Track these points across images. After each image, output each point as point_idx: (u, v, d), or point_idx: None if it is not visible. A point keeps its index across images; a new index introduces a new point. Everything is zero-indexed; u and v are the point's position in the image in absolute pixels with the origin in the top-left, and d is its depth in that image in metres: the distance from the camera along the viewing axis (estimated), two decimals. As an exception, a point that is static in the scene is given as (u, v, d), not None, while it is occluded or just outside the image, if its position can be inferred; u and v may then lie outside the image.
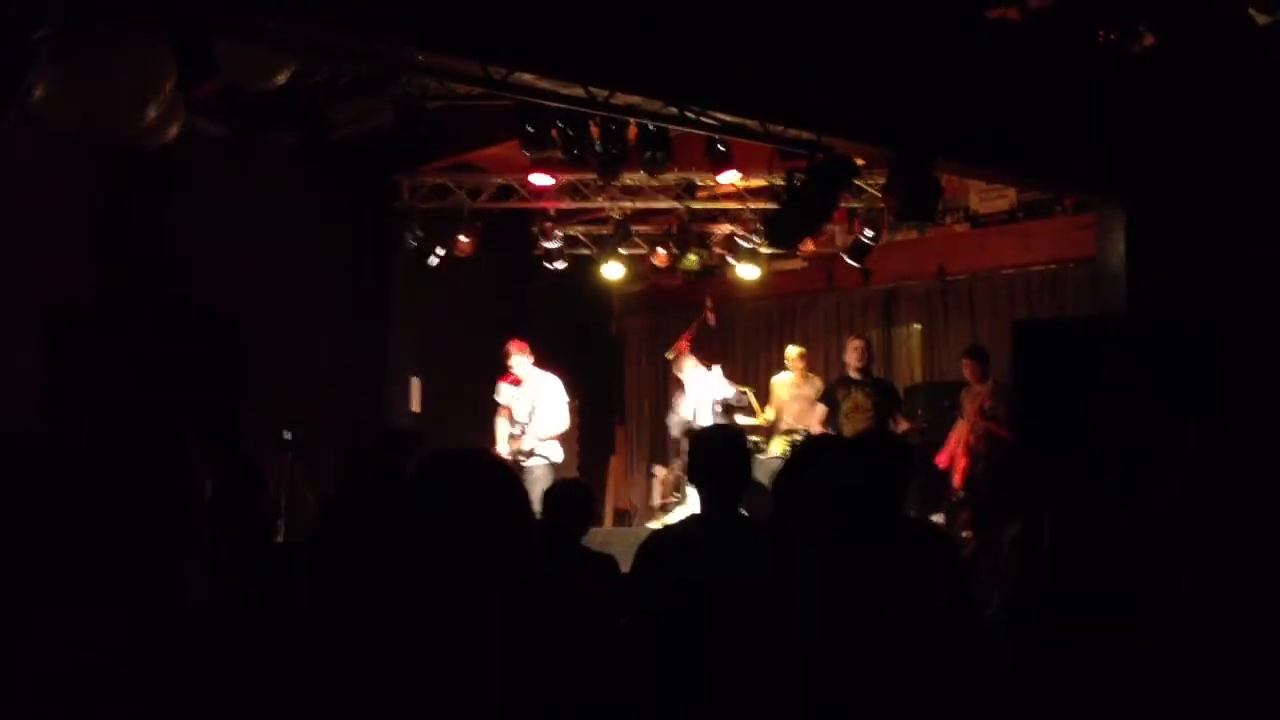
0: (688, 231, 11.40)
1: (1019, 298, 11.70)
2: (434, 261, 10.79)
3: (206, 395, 5.70)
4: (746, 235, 11.13)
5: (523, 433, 9.84)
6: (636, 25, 6.67)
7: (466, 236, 10.85)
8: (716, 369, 11.08)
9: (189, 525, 1.96)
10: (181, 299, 8.84)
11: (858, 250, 10.71)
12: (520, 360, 9.99)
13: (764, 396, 11.33)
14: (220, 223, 9.31)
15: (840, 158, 7.99)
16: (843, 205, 9.84)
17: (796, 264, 12.63)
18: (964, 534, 9.05)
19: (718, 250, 11.87)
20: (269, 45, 6.69)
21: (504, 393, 10.07)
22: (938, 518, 9.93)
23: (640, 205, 11.24)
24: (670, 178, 10.55)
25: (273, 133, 8.60)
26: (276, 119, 8.31)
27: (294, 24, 6.15)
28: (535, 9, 6.27)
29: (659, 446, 13.71)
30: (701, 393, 10.74)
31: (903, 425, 10.03)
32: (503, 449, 9.82)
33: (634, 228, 11.57)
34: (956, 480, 9.63)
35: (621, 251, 11.68)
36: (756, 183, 10.74)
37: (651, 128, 8.18)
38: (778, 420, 10.97)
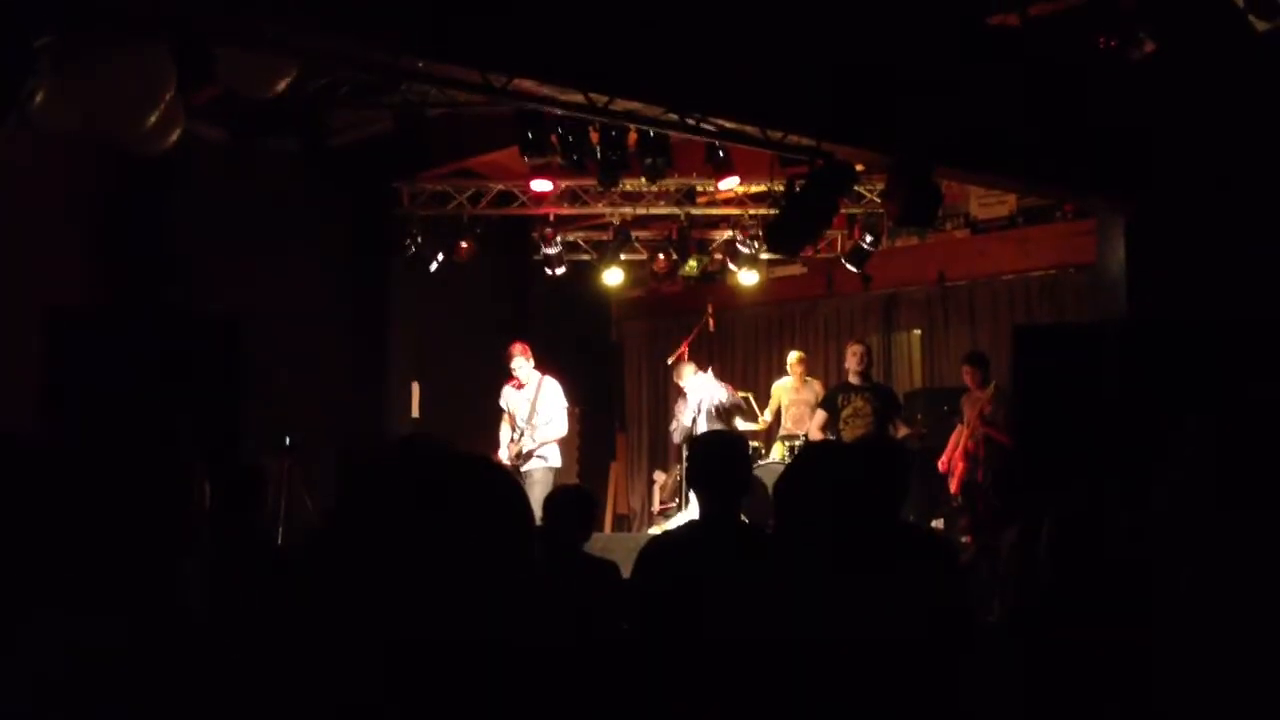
0: (688, 237, 11.40)
1: (1019, 303, 11.71)
2: (434, 268, 10.80)
3: (206, 397, 5.70)
4: (746, 241, 11.15)
5: (522, 435, 9.84)
6: (636, 32, 6.68)
7: (466, 243, 10.87)
8: (709, 372, 11.09)
9: (188, 526, 1.97)
10: (182, 301, 8.86)
11: (858, 256, 10.73)
12: (522, 363, 10.00)
13: (764, 401, 11.35)
14: (220, 225, 9.33)
15: (840, 163, 8.00)
16: (843, 211, 9.86)
17: (796, 270, 12.65)
18: (963, 539, 9.06)
19: (718, 256, 11.89)
20: (269, 52, 6.70)
21: (506, 397, 10.08)
22: (937, 523, 9.95)
23: (640, 211, 11.26)
24: (670, 183, 10.58)
25: (273, 138, 8.60)
26: (276, 125, 8.31)
27: (294, 31, 6.15)
28: (535, 16, 6.28)
29: (659, 452, 13.72)
30: (701, 400, 10.75)
31: (902, 430, 10.04)
32: (504, 454, 9.82)
33: (634, 233, 11.59)
34: (953, 486, 9.64)
35: (622, 257, 11.69)
36: (756, 188, 10.75)
37: (651, 134, 8.19)
38: (776, 424, 11.00)
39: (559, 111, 7.42)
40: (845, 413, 9.99)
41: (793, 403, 10.90)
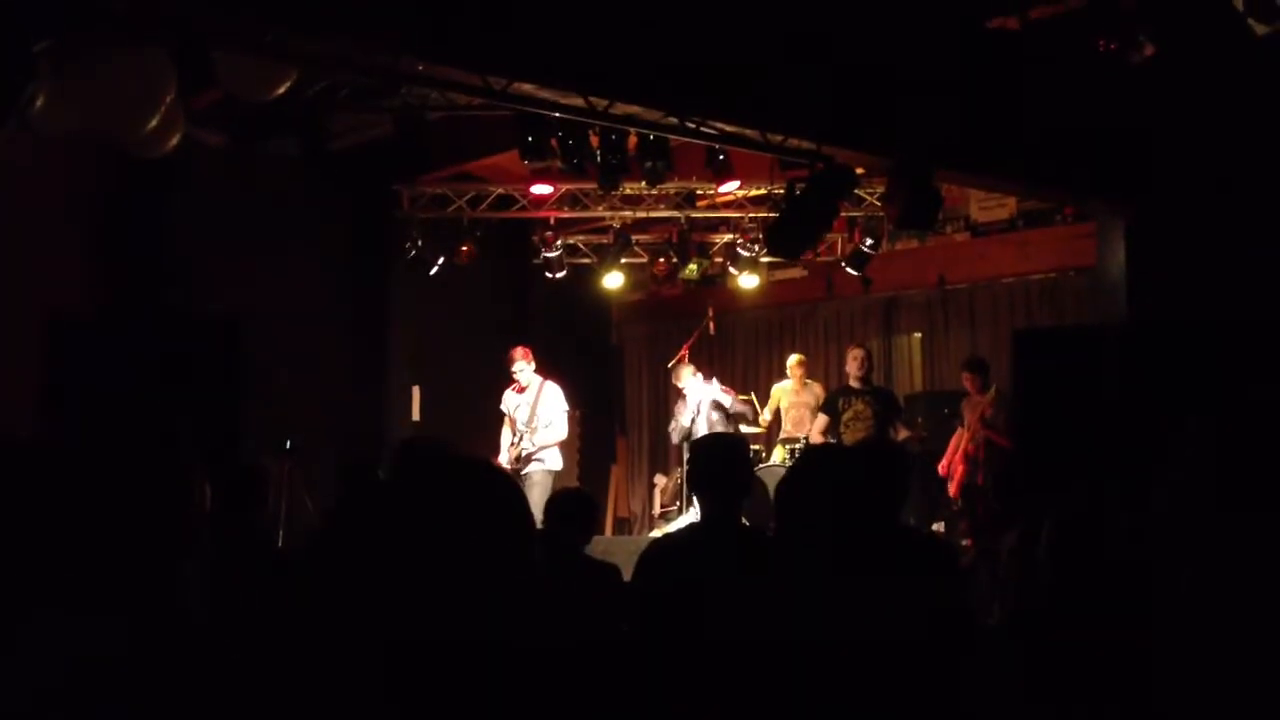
0: (688, 241, 11.41)
1: (1019, 306, 11.72)
2: (434, 271, 10.80)
3: (206, 397, 5.70)
4: (746, 244, 11.15)
5: (521, 439, 9.84)
6: (636, 35, 6.69)
7: (466, 246, 10.87)
8: (714, 381, 11.10)
9: (188, 526, 1.97)
10: (182, 302, 8.87)
11: (858, 259, 10.74)
12: (523, 366, 10.00)
13: (764, 404, 11.36)
14: (221, 227, 9.34)
15: (840, 167, 8.00)
16: (843, 214, 9.86)
17: (797, 273, 12.65)
18: (963, 542, 9.06)
19: (718, 259, 11.89)
20: (269, 55, 6.71)
21: (507, 400, 10.08)
22: (938, 526, 9.95)
23: (640, 214, 11.27)
24: (670, 187, 10.59)
25: (273, 143, 8.61)
26: (276, 129, 8.32)
27: (293, 34, 6.15)
28: (535, 19, 6.28)
29: (659, 455, 13.72)
30: (700, 401, 10.76)
31: (902, 433, 10.05)
32: (504, 458, 9.82)
33: (634, 237, 11.59)
34: (952, 489, 9.64)
35: (622, 261, 11.69)
36: (757, 192, 10.76)
37: (651, 137, 8.19)
38: (777, 426, 11.02)
39: (559, 115, 7.42)
40: (846, 416, 10.00)
41: (793, 405, 10.93)
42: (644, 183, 9.54)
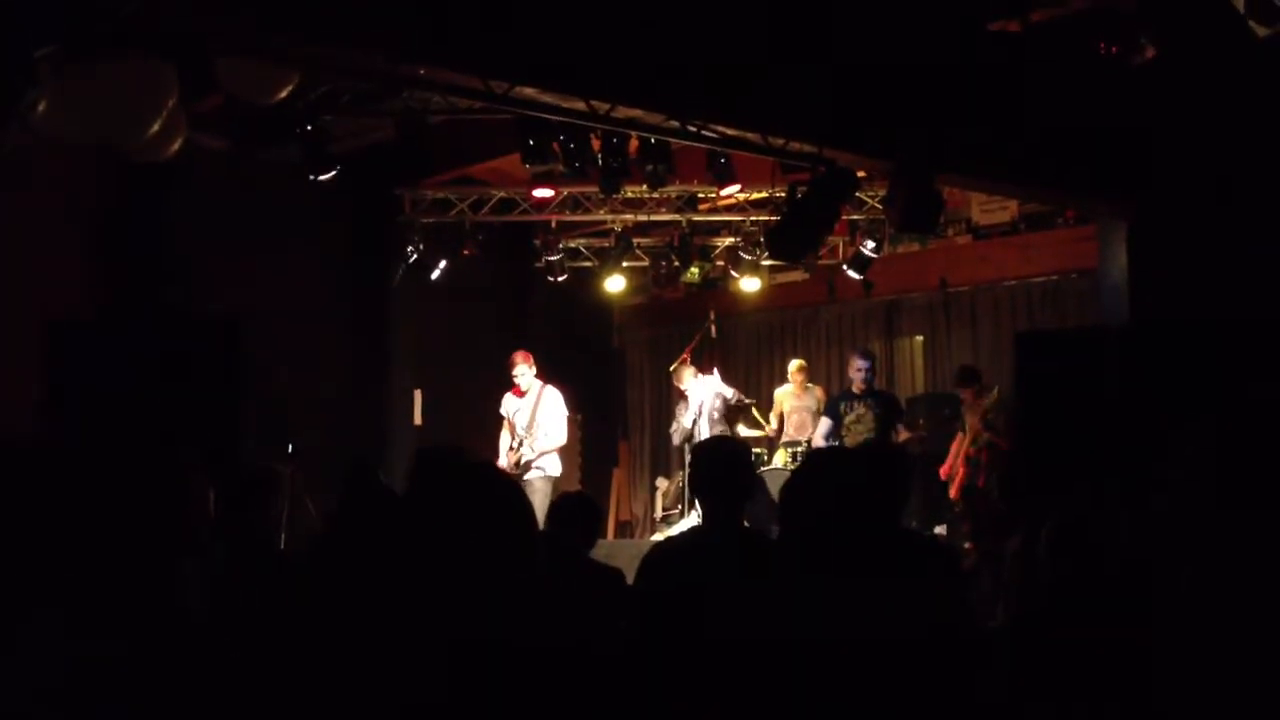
0: (689, 244, 11.42)
1: (1020, 309, 11.72)
2: (436, 274, 10.81)
3: (206, 398, 5.69)
4: (748, 247, 11.16)
5: (521, 445, 9.84)
6: (638, 39, 6.69)
7: (468, 249, 10.88)
8: (714, 373, 11.12)
9: (188, 525, 1.97)
10: (182, 302, 8.87)
11: (859, 262, 10.74)
12: (524, 370, 10.00)
13: (767, 408, 11.37)
14: (221, 228, 9.35)
15: (841, 170, 8.00)
16: (844, 217, 9.86)
17: (798, 276, 12.65)
18: (965, 545, 9.05)
19: (719, 262, 11.90)
20: (271, 60, 6.71)
21: (507, 404, 10.08)
22: (940, 529, 9.94)
23: (642, 218, 11.28)
24: (672, 190, 10.60)
25: (274, 147, 8.61)
26: (278, 134, 8.32)
27: (295, 38, 6.16)
28: (536, 23, 6.29)
29: (661, 459, 13.72)
30: (702, 400, 10.77)
31: (903, 435, 10.05)
32: (503, 462, 9.82)
33: (636, 240, 11.60)
34: (953, 492, 9.63)
35: (623, 264, 11.70)
36: (758, 195, 10.77)
37: (653, 141, 8.20)
38: (779, 430, 11.04)
39: (560, 118, 7.42)
40: (848, 419, 10.01)
41: (794, 409, 10.97)
42: (645, 186, 9.55)
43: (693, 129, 7.66)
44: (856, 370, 10.05)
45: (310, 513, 8.89)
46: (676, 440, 11.22)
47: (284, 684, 1.75)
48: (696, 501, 5.36)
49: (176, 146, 7.04)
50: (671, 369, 11.50)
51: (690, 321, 12.47)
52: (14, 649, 1.78)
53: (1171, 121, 8.17)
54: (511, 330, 12.03)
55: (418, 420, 11.25)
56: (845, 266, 11.05)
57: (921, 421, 10.60)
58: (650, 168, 8.52)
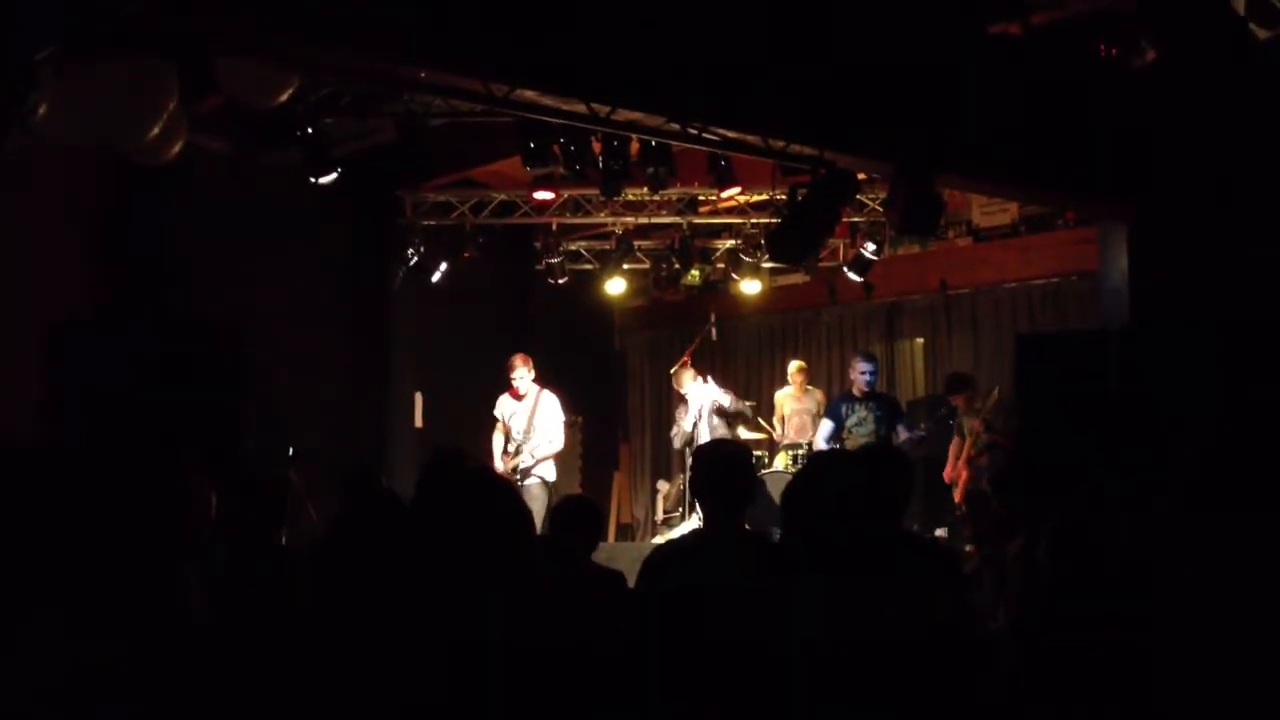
0: (690, 246, 11.42)
1: (1021, 311, 11.72)
2: (437, 277, 10.81)
3: (206, 400, 5.69)
4: (749, 250, 11.16)
5: (518, 450, 9.83)
6: (638, 42, 6.69)
7: (469, 252, 10.89)
8: (709, 380, 11.11)
9: (188, 526, 1.97)
10: (182, 304, 8.86)
11: (860, 264, 10.74)
12: (523, 374, 9.99)
13: (769, 411, 11.37)
14: (221, 229, 9.34)
15: (842, 173, 8.01)
16: (845, 219, 9.86)
17: (799, 278, 12.65)
18: (967, 549, 9.04)
19: (720, 265, 11.90)
20: (271, 62, 6.71)
21: (503, 406, 10.06)
22: (941, 532, 9.93)
23: (643, 220, 11.28)
24: (672, 193, 10.60)
25: (275, 150, 8.62)
26: (279, 137, 8.32)
27: (295, 40, 6.16)
28: (537, 25, 6.29)
29: (662, 461, 13.72)
30: (702, 404, 10.77)
31: (903, 435, 10.05)
32: (498, 464, 9.80)
33: (636, 243, 11.60)
34: (957, 496, 9.63)
35: (624, 266, 11.70)
36: (758, 197, 10.77)
37: (654, 143, 8.20)
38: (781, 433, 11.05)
39: (561, 121, 7.43)
40: (850, 422, 10.01)
41: (794, 412, 10.97)
42: (646, 189, 9.55)
43: (693, 131, 7.66)
44: (859, 373, 10.05)
45: (310, 515, 8.88)
46: (677, 444, 11.21)
47: (285, 685, 1.75)
48: (697, 504, 5.36)
49: (177, 148, 7.04)
50: (672, 372, 11.49)
51: (691, 324, 12.46)
52: (14, 649, 1.78)
53: (1172, 124, 8.17)
54: (512, 333, 12.03)
55: (418, 423, 11.25)
56: (846, 269, 11.04)
57: (922, 425, 10.60)
58: (651, 170, 8.53)
